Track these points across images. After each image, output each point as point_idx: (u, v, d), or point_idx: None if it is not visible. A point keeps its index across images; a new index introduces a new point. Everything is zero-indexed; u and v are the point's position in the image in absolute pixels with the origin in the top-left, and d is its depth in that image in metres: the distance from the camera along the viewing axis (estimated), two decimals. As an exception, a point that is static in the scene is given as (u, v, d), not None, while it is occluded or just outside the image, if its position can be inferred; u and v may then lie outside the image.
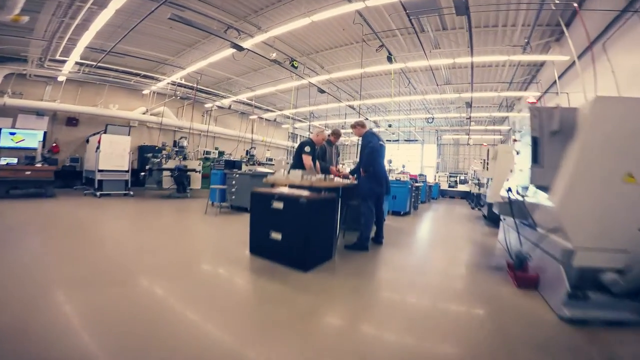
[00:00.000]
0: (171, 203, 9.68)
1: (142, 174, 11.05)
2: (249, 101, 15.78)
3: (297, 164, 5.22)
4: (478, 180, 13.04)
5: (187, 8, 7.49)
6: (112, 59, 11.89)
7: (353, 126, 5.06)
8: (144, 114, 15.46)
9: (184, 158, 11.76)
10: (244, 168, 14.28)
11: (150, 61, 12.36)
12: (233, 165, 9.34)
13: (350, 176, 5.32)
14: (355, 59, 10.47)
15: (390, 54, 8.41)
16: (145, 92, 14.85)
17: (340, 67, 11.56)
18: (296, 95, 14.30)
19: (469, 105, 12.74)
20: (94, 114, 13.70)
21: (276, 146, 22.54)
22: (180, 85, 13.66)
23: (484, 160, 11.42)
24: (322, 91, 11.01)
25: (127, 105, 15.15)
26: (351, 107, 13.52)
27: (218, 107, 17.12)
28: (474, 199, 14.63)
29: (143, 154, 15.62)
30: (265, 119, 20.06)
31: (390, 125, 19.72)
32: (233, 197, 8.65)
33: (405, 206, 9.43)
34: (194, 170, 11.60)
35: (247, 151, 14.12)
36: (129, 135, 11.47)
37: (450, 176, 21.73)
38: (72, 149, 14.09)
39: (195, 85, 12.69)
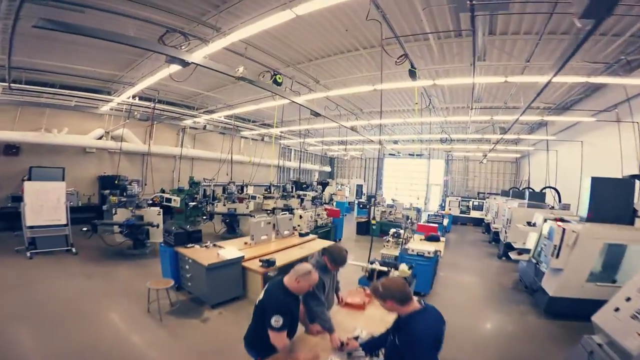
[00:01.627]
0: (117, 270, 7.55)
1: (85, 229, 8.26)
2: (228, 120, 13.07)
3: (257, 340, 2.58)
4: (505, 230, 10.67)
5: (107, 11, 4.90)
6: (51, 77, 9.37)
7: (380, 297, 2.36)
8: (100, 137, 12.71)
9: (137, 207, 9.01)
10: (220, 208, 11.69)
11: (90, 79, 9.70)
12: (188, 237, 6.59)
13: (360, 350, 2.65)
14: (363, 71, 7.86)
15: (413, 66, 5.81)
16: (104, 109, 12.10)
17: (343, 82, 8.95)
18: (282, 112, 11.62)
19: (504, 130, 10.16)
20: (35, 142, 10.92)
21: (266, 165, 19.85)
22: (136, 105, 10.92)
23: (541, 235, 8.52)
24: (316, 114, 8.38)
25: (80, 128, 12.39)
26: (354, 129, 10.90)
27: (190, 127, 14.40)
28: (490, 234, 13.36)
29: (104, 186, 12.91)
30: (252, 138, 17.33)
31: (396, 142, 17.14)
32: (189, 283, 5.96)
33: (428, 285, 6.89)
34: (149, 224, 8.81)
35: (223, 187, 11.45)
36: (63, 179, 9.01)
37: (462, 201, 19.13)
38: (14, 184, 11.27)
39: (152, 104, 9.97)
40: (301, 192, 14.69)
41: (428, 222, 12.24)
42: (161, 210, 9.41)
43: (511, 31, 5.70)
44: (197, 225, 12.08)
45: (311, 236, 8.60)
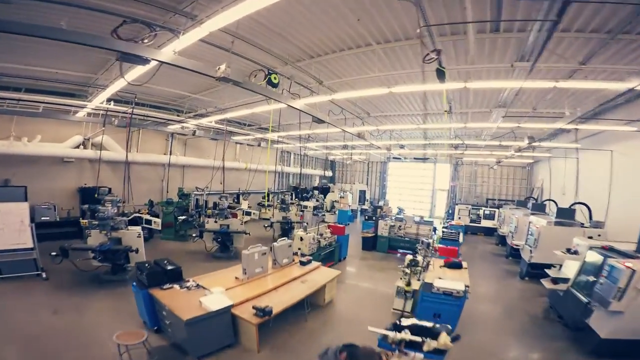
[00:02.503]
0: (90, 301, 6.51)
1: (54, 254, 7.03)
2: (219, 125, 11.81)
3: None
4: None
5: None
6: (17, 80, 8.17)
7: None
8: (78, 146, 11.47)
9: (113, 229, 7.79)
10: (212, 225, 10.46)
11: (62, 82, 8.49)
12: (165, 276, 5.41)
13: None
14: (375, 70, 6.65)
15: (441, 65, 4.62)
16: (80, 115, 10.83)
17: (351, 84, 7.75)
18: (280, 116, 10.41)
19: (532, 139, 8.96)
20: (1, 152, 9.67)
21: (264, 171, 18.60)
22: (112, 110, 9.67)
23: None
24: (318, 120, 7.16)
25: (56, 135, 11.15)
26: (361, 136, 9.68)
27: (178, 133, 13.16)
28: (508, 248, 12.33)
29: (85, 199, 11.72)
30: (247, 144, 16.06)
31: (402, 147, 15.95)
32: (169, 330, 4.78)
33: (453, 327, 5.65)
34: (127, 249, 7.61)
35: (214, 203, 10.23)
36: (25, 200, 7.85)
37: (472, 209, 17.94)
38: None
39: (130, 108, 8.73)
40: (302, 203, 13.47)
41: (443, 237, 11.06)
42: (141, 232, 8.19)
43: (576, 28, 4.53)
44: (187, 241, 10.88)
45: (314, 264, 7.40)
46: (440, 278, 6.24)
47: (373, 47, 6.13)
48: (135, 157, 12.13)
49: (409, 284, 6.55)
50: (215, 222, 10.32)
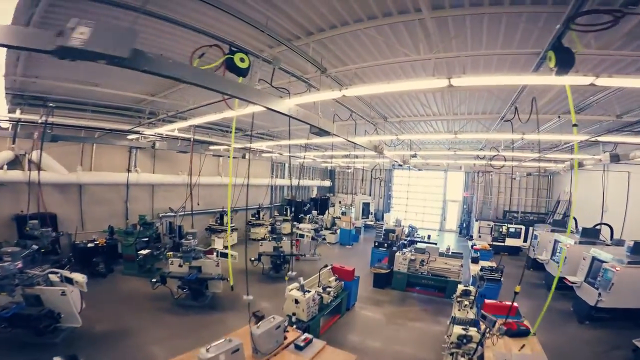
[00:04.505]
0: None
1: None
2: (184, 135, 9.24)
3: None
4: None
5: None
6: None
7: None
8: (9, 163, 8.86)
9: (28, 285, 5.27)
10: (177, 268, 7.82)
11: None
12: None
13: None
14: (420, 49, 4.27)
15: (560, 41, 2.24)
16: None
17: (367, 74, 5.33)
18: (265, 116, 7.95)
19: (616, 156, 6.59)
20: None
21: (254, 185, 16.06)
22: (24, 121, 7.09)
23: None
24: (322, 132, 4.70)
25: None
26: (379, 151, 7.24)
27: (134, 147, 10.59)
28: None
29: (21, 231, 9.26)
30: (228, 156, 13.47)
31: (414, 156, 13.52)
32: None
33: None
34: (47, 314, 5.09)
35: (175, 243, 7.68)
36: None
37: (496, 225, 15.52)
38: None
39: (40, 115, 6.17)
40: (298, 228, 10.98)
41: (483, 276, 8.58)
42: (67, 290, 5.63)
43: None
44: (152, 287, 8.32)
45: (317, 344, 4.88)
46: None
47: (410, 15, 3.71)
48: (82, 178, 9.55)
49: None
50: (180, 266, 7.78)
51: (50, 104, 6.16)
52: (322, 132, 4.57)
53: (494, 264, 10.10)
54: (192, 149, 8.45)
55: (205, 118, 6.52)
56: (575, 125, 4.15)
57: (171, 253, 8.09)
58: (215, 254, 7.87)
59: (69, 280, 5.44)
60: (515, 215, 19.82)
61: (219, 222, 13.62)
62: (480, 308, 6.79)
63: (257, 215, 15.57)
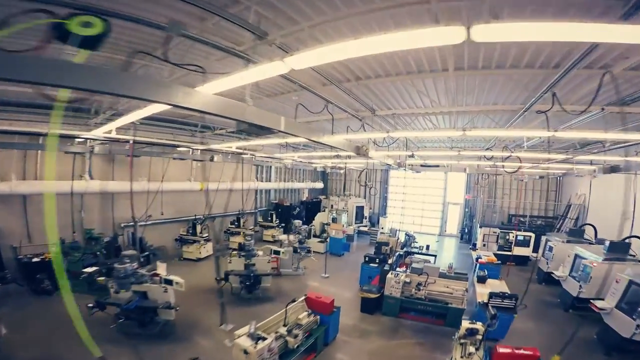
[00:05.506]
0: None
1: None
2: (122, 138, 7.66)
3: None
4: None
5: None
6: None
7: None
8: None
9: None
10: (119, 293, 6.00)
11: None
12: None
13: None
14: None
15: None
16: None
17: (324, 37, 3.79)
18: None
19: None
20: None
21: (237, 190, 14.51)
22: None
23: None
24: (256, 129, 3.15)
25: None
26: (361, 152, 5.71)
27: (73, 151, 9.03)
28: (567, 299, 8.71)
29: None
30: (193, 159, 11.86)
31: (411, 156, 11.98)
32: None
33: None
34: None
35: (108, 268, 6.19)
36: None
37: (501, 232, 13.96)
38: None
39: None
40: (279, 240, 9.45)
41: (492, 302, 7.04)
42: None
43: None
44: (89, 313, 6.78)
45: None
46: None
47: None
48: (18, 188, 8.08)
49: None
50: (117, 292, 6.25)
51: None
52: (256, 129, 3.05)
53: (504, 285, 8.62)
54: (132, 151, 6.93)
55: (132, 116, 4.95)
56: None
57: (103, 278, 6.56)
58: (159, 281, 6.34)
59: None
60: (522, 219, 18.30)
61: (190, 231, 12.09)
62: (488, 353, 5.30)
63: (236, 223, 14.05)
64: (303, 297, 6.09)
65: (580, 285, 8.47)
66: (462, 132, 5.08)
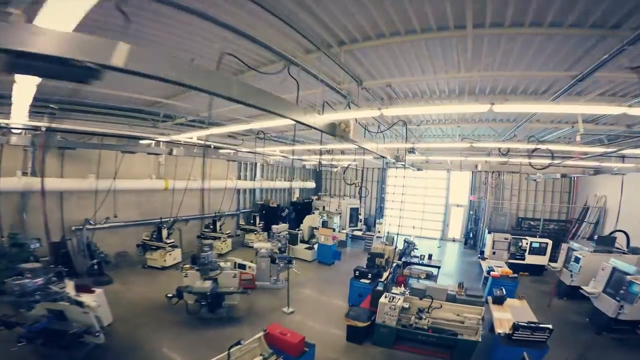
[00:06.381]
0: None
1: None
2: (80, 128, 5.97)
3: None
4: None
5: None
6: None
7: None
8: None
9: None
10: (39, 309, 4.29)
11: None
12: None
13: None
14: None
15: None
16: None
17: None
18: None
19: None
20: None
21: (216, 188, 12.82)
22: None
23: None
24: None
25: None
26: (343, 137, 4.08)
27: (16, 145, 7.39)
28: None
29: None
30: (154, 153, 10.15)
31: (412, 151, 10.35)
32: None
33: None
34: None
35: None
36: None
37: (514, 239, 12.25)
38: None
39: None
40: (255, 247, 7.78)
41: (514, 338, 5.38)
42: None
43: None
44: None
45: None
46: None
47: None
48: None
49: None
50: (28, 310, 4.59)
51: None
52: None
53: (526, 307, 6.91)
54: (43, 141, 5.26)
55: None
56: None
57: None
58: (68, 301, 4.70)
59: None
60: (533, 223, 16.66)
61: (155, 236, 10.42)
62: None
63: (212, 226, 12.38)
64: (260, 334, 4.41)
65: (621, 306, 6.81)
66: (489, 106, 3.43)
